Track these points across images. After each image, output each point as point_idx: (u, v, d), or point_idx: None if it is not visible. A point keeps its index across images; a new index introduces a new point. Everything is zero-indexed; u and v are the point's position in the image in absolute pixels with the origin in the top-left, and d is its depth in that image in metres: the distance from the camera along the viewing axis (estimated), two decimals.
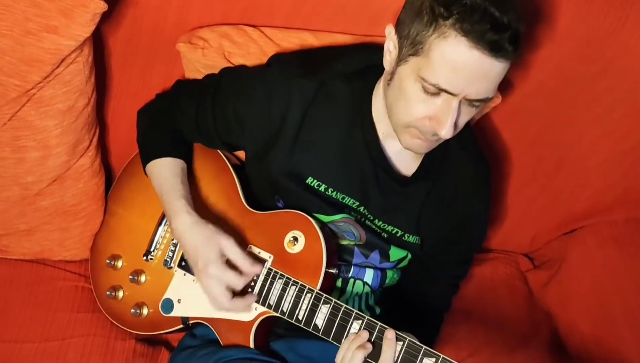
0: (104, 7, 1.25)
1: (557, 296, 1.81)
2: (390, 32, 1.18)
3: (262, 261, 1.32)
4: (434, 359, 1.16)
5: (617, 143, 1.68)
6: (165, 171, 1.38)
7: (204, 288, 1.29)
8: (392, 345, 1.18)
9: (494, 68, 1.08)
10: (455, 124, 1.15)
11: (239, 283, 1.27)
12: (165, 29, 1.44)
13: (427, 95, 1.12)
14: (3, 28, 1.25)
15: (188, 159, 1.44)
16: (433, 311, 1.50)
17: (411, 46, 1.12)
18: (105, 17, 1.33)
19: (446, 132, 1.14)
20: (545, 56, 1.51)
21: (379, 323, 1.21)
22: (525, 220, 1.87)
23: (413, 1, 1.13)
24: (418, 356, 1.17)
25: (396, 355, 1.18)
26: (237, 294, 1.29)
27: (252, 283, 1.32)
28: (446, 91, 1.10)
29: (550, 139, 1.69)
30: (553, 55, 1.51)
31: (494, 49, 1.05)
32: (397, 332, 1.19)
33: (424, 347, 1.17)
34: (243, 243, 1.35)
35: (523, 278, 1.92)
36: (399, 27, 1.16)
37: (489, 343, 1.69)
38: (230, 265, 1.28)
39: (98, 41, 1.44)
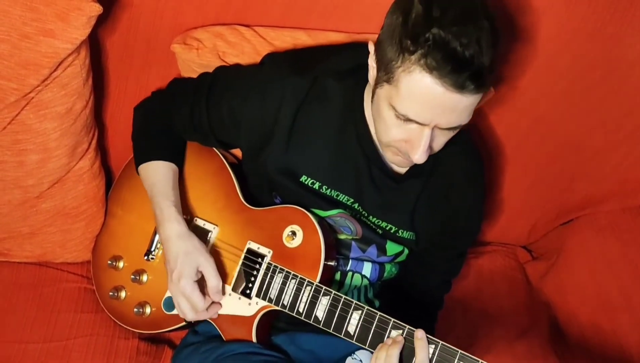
0: (99, 9, 1.27)
1: (555, 287, 1.82)
2: (371, 49, 1.19)
3: (261, 256, 1.34)
4: (433, 346, 1.18)
5: (611, 133, 1.68)
6: (157, 175, 1.40)
7: (172, 294, 1.33)
8: (424, 345, 1.17)
9: (461, 102, 1.08)
10: (432, 148, 1.17)
11: (201, 305, 1.30)
12: (161, 30, 1.46)
13: (401, 121, 1.14)
14: (0, 33, 1.26)
15: (180, 161, 1.46)
16: (427, 308, 1.51)
17: (384, 73, 1.13)
18: (101, 20, 1.35)
19: (419, 157, 1.16)
20: (537, 50, 1.52)
21: (379, 313, 1.22)
22: (522, 212, 1.88)
23: (390, 24, 1.13)
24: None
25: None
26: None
27: (253, 278, 1.33)
28: (416, 122, 1.12)
29: (544, 132, 1.69)
30: (544, 49, 1.52)
31: (457, 86, 1.06)
32: (395, 321, 1.21)
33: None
34: (242, 239, 1.37)
35: (522, 269, 1.93)
36: (377, 47, 1.16)
37: (489, 334, 1.70)
38: (202, 284, 1.32)
39: (94, 44, 1.45)
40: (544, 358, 1.65)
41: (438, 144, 1.19)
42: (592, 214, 1.86)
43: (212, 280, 1.31)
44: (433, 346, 1.17)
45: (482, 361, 1.15)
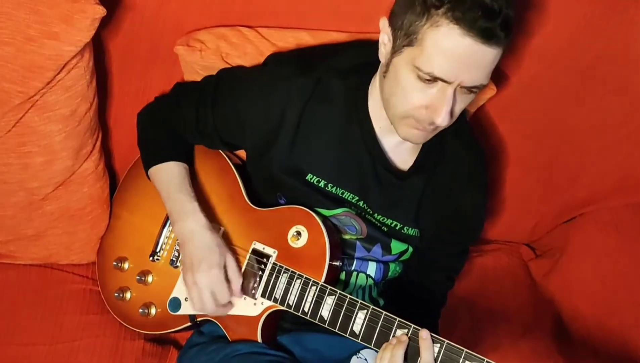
0: (102, 12, 1.27)
1: (559, 284, 1.83)
2: (384, 25, 1.20)
3: (266, 257, 1.34)
4: (438, 345, 1.18)
5: (614, 130, 1.69)
6: (171, 175, 1.40)
7: (190, 285, 1.31)
8: (429, 345, 1.18)
9: (487, 55, 1.10)
10: (452, 112, 1.17)
11: (225, 298, 1.31)
12: (164, 32, 1.46)
13: (423, 84, 1.14)
14: (5, 36, 1.27)
15: (190, 160, 1.46)
16: (430, 305, 1.51)
17: (405, 37, 1.14)
18: (105, 23, 1.34)
19: (442, 119, 1.16)
20: (538, 47, 1.52)
21: (384, 312, 1.23)
22: (525, 210, 1.89)
23: None
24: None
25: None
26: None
27: (258, 279, 1.34)
28: (441, 79, 1.12)
29: (547, 129, 1.70)
30: (546, 46, 1.53)
31: (486, 36, 1.07)
32: (400, 320, 1.21)
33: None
34: (247, 239, 1.37)
35: (525, 267, 1.93)
36: (392, 19, 1.18)
37: (494, 332, 1.71)
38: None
39: (98, 46, 1.45)
40: (548, 356, 1.66)
41: (458, 109, 1.19)
42: (596, 211, 1.86)
43: (235, 277, 1.32)
44: (438, 345, 1.18)
45: (488, 360, 1.15)
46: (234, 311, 1.35)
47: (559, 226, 1.92)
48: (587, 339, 1.71)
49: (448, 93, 1.14)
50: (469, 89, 1.15)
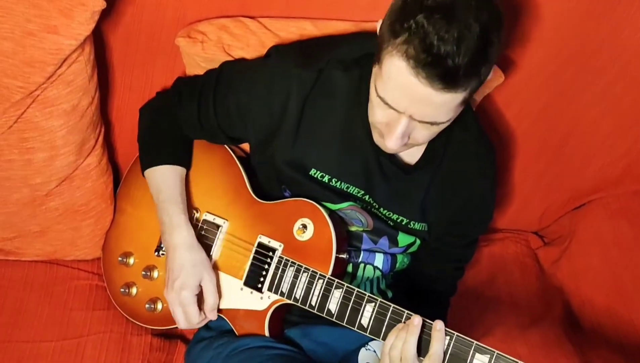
0: (102, 4, 1.26)
1: (568, 272, 1.82)
2: (378, 27, 1.17)
3: (272, 250, 1.33)
4: (448, 337, 1.17)
5: (620, 117, 1.68)
6: (165, 180, 1.40)
7: (168, 299, 1.33)
8: (441, 337, 1.16)
9: (434, 97, 1.06)
10: (414, 138, 1.16)
11: (196, 320, 1.32)
12: (165, 24, 1.45)
13: (382, 103, 1.12)
14: (4, 31, 1.26)
15: (188, 163, 1.45)
16: (439, 295, 1.50)
17: (377, 52, 1.12)
18: (105, 16, 1.34)
19: (391, 144, 1.15)
20: (544, 36, 1.51)
21: (392, 305, 1.22)
22: (533, 198, 1.88)
23: (393, 3, 1.11)
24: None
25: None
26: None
27: (264, 272, 1.33)
28: (390, 106, 1.11)
29: (554, 117, 1.69)
30: (551, 35, 1.51)
31: (429, 81, 1.03)
32: (408, 312, 1.20)
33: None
34: (253, 233, 1.37)
35: (534, 255, 1.92)
36: (380, 27, 1.14)
37: (503, 322, 1.70)
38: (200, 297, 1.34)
39: (99, 40, 1.44)
40: (558, 345, 1.65)
41: (419, 137, 1.17)
42: (604, 198, 1.86)
43: (211, 297, 1.33)
44: (448, 337, 1.17)
45: (498, 352, 1.14)
46: (240, 306, 1.34)
47: (567, 214, 1.91)
48: (597, 327, 1.71)
49: (401, 121, 1.12)
50: (425, 123, 1.12)
